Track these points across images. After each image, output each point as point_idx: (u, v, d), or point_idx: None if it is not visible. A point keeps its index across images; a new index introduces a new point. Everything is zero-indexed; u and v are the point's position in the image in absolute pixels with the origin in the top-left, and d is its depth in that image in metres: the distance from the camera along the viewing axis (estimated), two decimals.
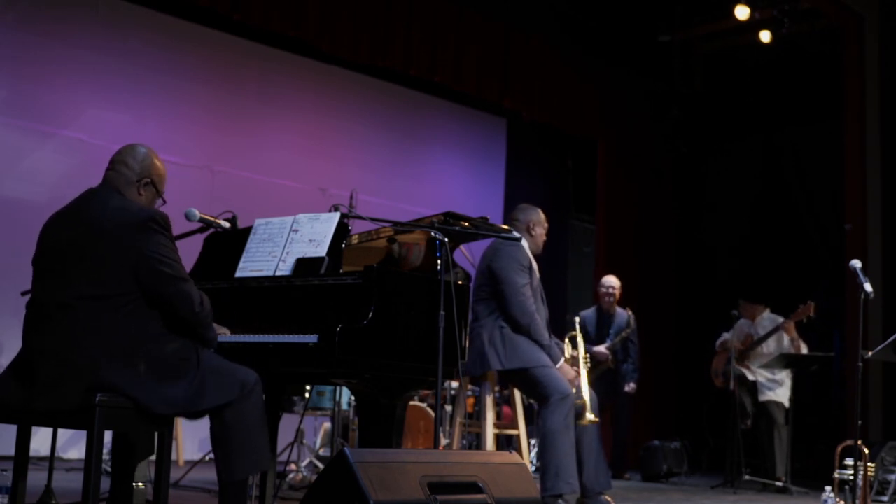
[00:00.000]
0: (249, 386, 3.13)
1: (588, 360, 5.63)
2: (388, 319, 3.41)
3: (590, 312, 8.17)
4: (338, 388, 5.71)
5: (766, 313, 7.57)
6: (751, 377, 7.39)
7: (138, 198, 3.25)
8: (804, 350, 7.35)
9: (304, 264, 3.57)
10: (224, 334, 3.43)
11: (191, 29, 8.09)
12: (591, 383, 7.87)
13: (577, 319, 5.89)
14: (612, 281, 8.06)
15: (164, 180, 3.34)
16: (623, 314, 8.05)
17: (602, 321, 8.05)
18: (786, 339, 7.36)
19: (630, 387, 8.10)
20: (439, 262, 3.56)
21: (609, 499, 5.15)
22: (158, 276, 3.06)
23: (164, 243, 3.09)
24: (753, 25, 9.58)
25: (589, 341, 8.03)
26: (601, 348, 7.87)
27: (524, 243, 5.29)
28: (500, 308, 5.12)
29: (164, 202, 3.37)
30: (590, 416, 5.35)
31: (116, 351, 2.99)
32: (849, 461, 5.84)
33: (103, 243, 3.06)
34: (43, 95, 7.33)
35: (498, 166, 10.52)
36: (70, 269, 3.06)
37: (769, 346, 7.42)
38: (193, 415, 3.10)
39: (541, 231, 5.41)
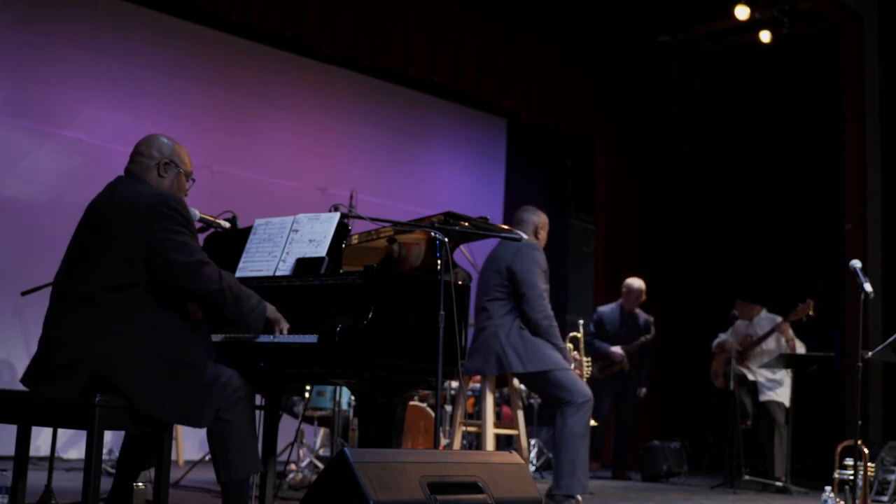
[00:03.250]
0: (241, 394, 3.18)
1: (589, 363, 5.64)
2: (387, 319, 3.41)
3: (610, 310, 8.11)
4: (338, 388, 5.70)
5: (764, 313, 7.57)
6: (751, 377, 7.39)
7: (160, 180, 3.27)
8: (801, 350, 7.36)
9: (303, 264, 3.57)
10: (286, 328, 3.35)
11: (190, 28, 8.08)
12: (602, 383, 7.90)
13: (581, 322, 5.88)
14: (640, 286, 8.06)
15: (188, 162, 3.36)
16: (643, 316, 8.05)
17: (623, 321, 8.03)
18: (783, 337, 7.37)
19: (642, 392, 8.11)
20: (439, 262, 3.56)
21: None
22: (167, 262, 3.05)
23: (174, 227, 3.07)
24: (753, 25, 9.58)
25: (606, 339, 7.99)
26: (618, 349, 7.84)
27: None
28: (519, 310, 5.12)
29: (195, 181, 3.40)
30: (591, 422, 5.36)
31: (126, 347, 3.00)
32: (849, 461, 5.83)
33: (114, 232, 3.07)
34: (42, 95, 7.32)
35: (498, 166, 10.52)
36: (89, 259, 3.08)
37: (768, 346, 7.41)
38: (192, 425, 3.13)
39: (544, 234, 5.46)
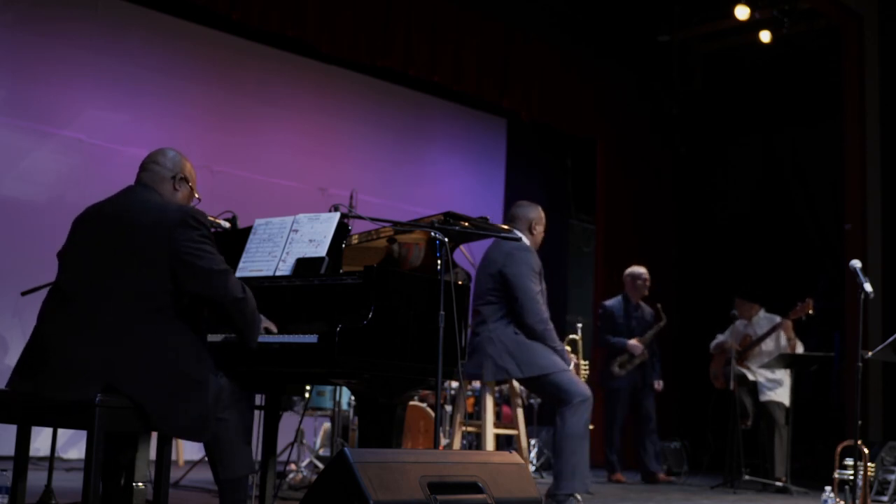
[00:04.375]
0: (235, 396, 3.22)
1: (587, 366, 5.62)
2: (387, 319, 3.41)
3: (615, 302, 7.97)
4: (338, 388, 5.70)
5: (762, 313, 7.56)
6: (751, 377, 7.39)
7: (174, 193, 3.32)
8: (800, 349, 7.36)
9: (303, 264, 3.57)
10: (273, 329, 3.43)
11: (190, 28, 8.08)
12: (620, 380, 7.80)
13: (580, 325, 5.85)
14: (645, 272, 7.94)
15: (195, 180, 3.43)
16: (648, 308, 7.96)
17: (630, 312, 7.93)
18: (783, 337, 7.36)
19: (659, 384, 8.01)
20: (439, 262, 3.56)
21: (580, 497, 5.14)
22: (193, 270, 3.09)
23: (199, 238, 3.13)
24: (753, 25, 9.58)
25: (617, 332, 7.86)
26: (636, 342, 7.74)
27: (526, 242, 5.28)
28: (513, 314, 5.09)
29: (200, 200, 3.46)
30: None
31: (136, 356, 3.00)
32: (849, 461, 5.83)
33: (140, 240, 3.09)
34: (42, 95, 7.32)
35: (498, 166, 10.52)
36: (104, 265, 3.08)
37: (767, 346, 7.41)
38: (196, 440, 3.15)
39: (540, 229, 5.41)
